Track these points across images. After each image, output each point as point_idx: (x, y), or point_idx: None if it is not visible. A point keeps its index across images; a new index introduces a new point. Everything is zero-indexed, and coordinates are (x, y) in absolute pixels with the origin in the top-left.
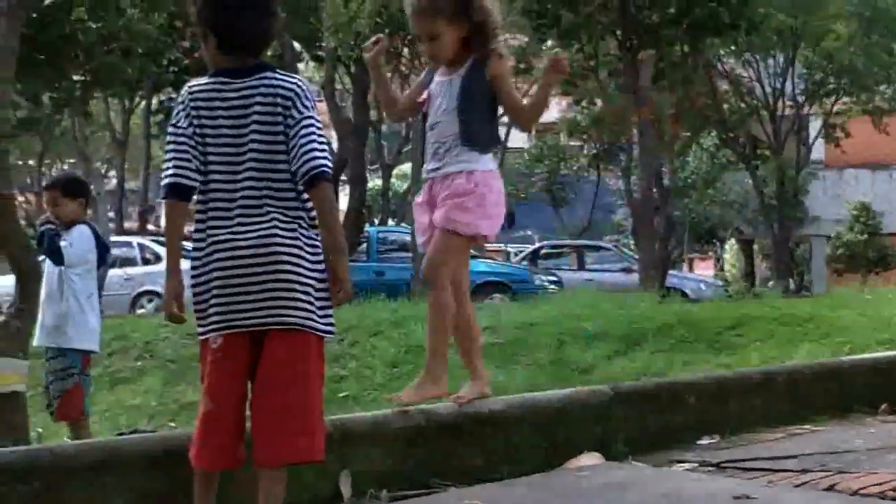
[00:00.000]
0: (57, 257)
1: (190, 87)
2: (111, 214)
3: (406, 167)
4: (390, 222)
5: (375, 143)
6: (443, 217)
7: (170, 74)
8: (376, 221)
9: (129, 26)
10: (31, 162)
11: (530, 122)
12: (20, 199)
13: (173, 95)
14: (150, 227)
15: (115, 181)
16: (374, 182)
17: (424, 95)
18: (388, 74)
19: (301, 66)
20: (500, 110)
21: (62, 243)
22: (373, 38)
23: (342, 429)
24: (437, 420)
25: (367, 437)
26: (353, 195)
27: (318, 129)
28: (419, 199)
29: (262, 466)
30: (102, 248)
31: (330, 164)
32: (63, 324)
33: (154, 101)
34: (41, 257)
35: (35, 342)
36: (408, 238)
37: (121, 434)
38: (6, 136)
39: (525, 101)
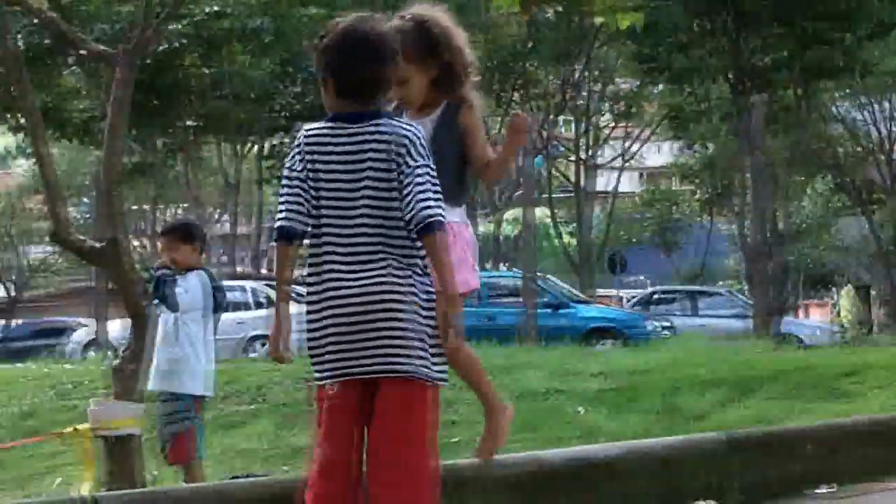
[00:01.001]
0: (171, 304)
1: (305, 130)
2: (223, 259)
3: (517, 211)
4: (501, 267)
5: (485, 187)
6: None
7: (281, 119)
8: (487, 266)
9: (240, 72)
10: (144, 206)
11: (493, 178)
12: (134, 243)
13: (284, 140)
14: (263, 271)
15: (226, 226)
16: (485, 226)
17: None
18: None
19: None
20: None
21: (177, 290)
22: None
23: (454, 475)
24: (550, 466)
25: (478, 484)
26: None
27: (433, 177)
28: None
29: None
30: (218, 293)
31: (443, 213)
32: (176, 368)
33: (265, 145)
34: (156, 302)
35: (149, 386)
36: (518, 283)
37: (235, 478)
38: (120, 182)
39: (491, 156)
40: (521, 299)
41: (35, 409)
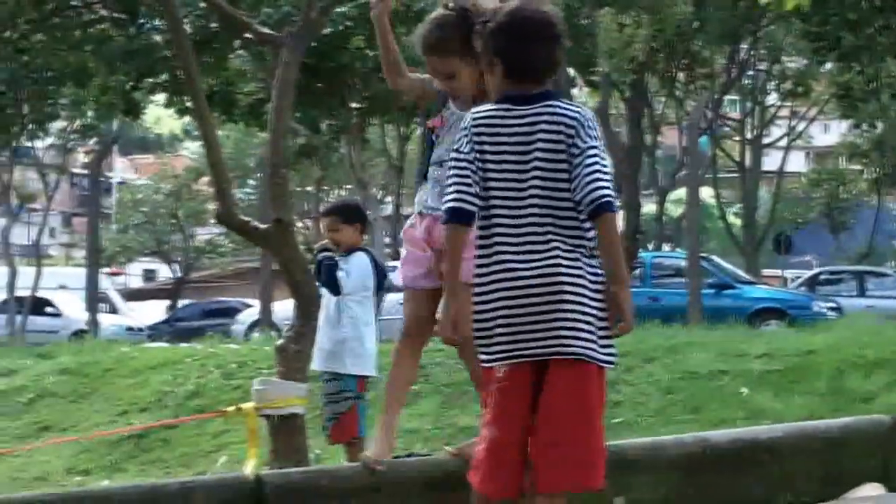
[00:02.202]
0: (334, 288)
1: (474, 113)
2: (387, 240)
3: (681, 192)
4: (665, 247)
5: (649, 167)
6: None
7: None
8: (650, 247)
9: (405, 53)
10: (309, 188)
11: None
12: (299, 224)
13: None
14: None
15: (391, 207)
16: (649, 207)
17: (438, 121)
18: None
19: (575, 91)
20: None
21: (339, 273)
22: None
23: (618, 455)
24: (715, 448)
25: (643, 464)
26: (628, 221)
27: (602, 158)
28: (415, 231)
29: (542, 493)
30: (381, 274)
31: (613, 195)
32: (340, 349)
33: None
34: (317, 285)
35: (313, 366)
36: (683, 263)
37: (396, 457)
38: (286, 164)
39: None
40: (685, 280)
41: (201, 389)
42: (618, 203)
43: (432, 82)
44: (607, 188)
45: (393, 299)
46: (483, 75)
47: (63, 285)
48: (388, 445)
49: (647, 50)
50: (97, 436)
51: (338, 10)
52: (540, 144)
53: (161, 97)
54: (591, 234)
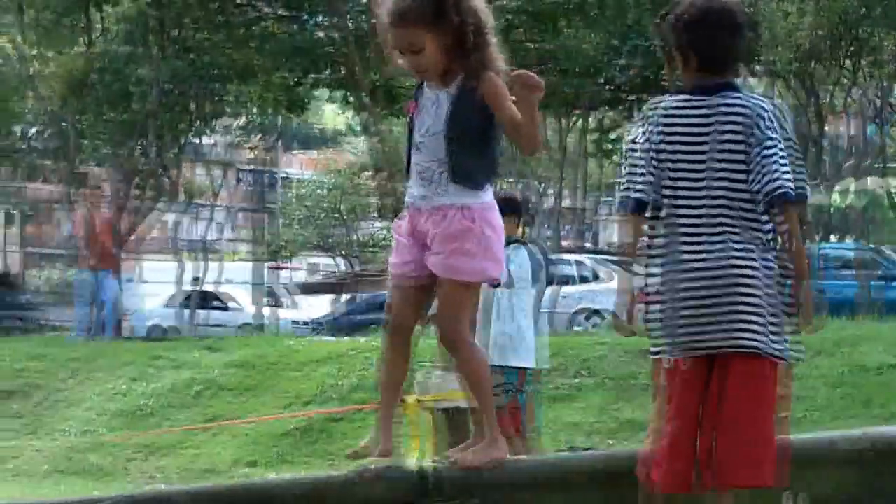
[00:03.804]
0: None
1: (653, 102)
2: (549, 233)
3: (848, 182)
4: (832, 238)
5: (816, 157)
6: (444, 267)
7: (606, 93)
8: (817, 238)
9: (566, 46)
10: None
11: (529, 139)
12: None
13: (610, 114)
14: (589, 244)
15: (552, 199)
16: (815, 198)
17: (412, 105)
18: None
19: (738, 80)
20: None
21: (511, 267)
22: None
23: (793, 450)
24: (885, 443)
25: (811, 460)
26: None
27: (782, 150)
28: (402, 227)
29: (712, 489)
30: (540, 266)
31: (793, 187)
32: (500, 342)
33: (591, 119)
34: None
35: None
36: (850, 255)
37: (559, 451)
38: None
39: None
40: (853, 271)
41: (364, 382)
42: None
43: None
44: (787, 180)
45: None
46: (449, 52)
47: (230, 279)
48: (390, 442)
49: (813, 38)
50: (267, 420)
51: (498, 3)
52: (720, 135)
53: (325, 92)
54: (769, 226)
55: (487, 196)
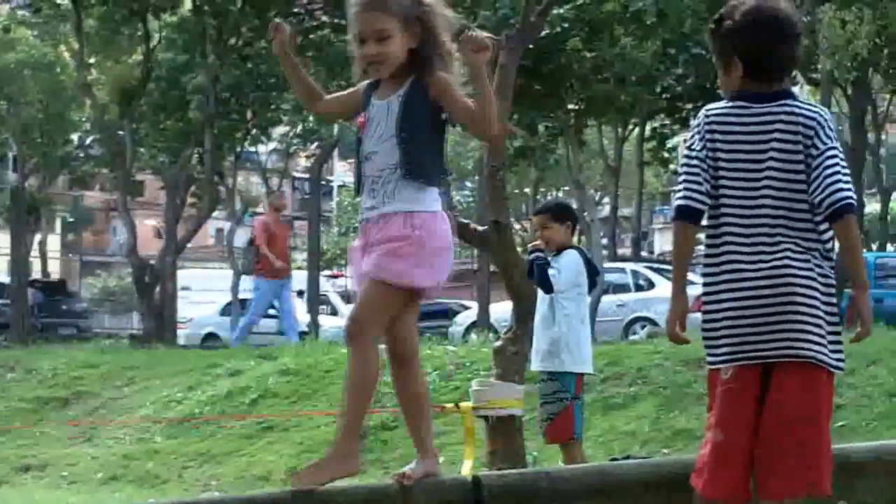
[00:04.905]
0: (546, 286)
1: (707, 110)
2: (604, 241)
3: None
4: (889, 248)
5: (873, 166)
6: (372, 264)
7: (662, 102)
8: (874, 247)
9: (622, 54)
10: (526, 190)
11: (485, 123)
12: (516, 226)
13: (666, 122)
14: (644, 253)
15: (608, 208)
16: (872, 206)
17: (361, 118)
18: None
19: (796, 89)
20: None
21: (551, 271)
22: (271, 25)
23: (841, 459)
24: None
25: (867, 469)
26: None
27: (842, 160)
28: (356, 243)
29: (768, 499)
30: (593, 272)
31: (854, 197)
32: (556, 348)
33: (647, 128)
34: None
35: (531, 367)
36: None
37: (613, 459)
38: (503, 166)
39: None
40: None
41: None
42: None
43: (354, 92)
44: (848, 190)
45: (611, 300)
46: (409, 54)
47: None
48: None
49: (871, 46)
50: (320, 427)
51: (555, 11)
52: (775, 144)
53: None
54: (827, 236)
55: (435, 204)
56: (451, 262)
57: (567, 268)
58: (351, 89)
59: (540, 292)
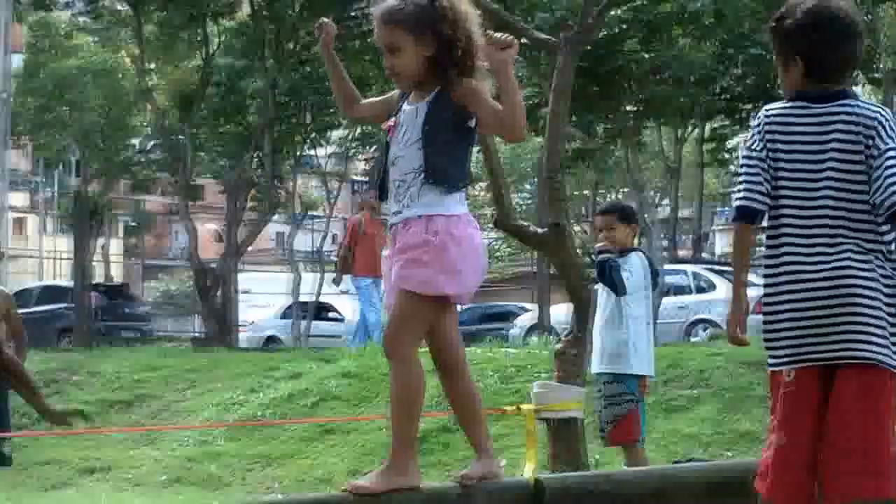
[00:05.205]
0: (619, 288)
1: (767, 110)
2: (664, 243)
3: None
4: None
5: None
6: (397, 275)
7: (721, 102)
8: None
9: (681, 55)
10: (585, 192)
11: (513, 124)
12: (576, 228)
13: (725, 123)
14: (704, 255)
15: (667, 209)
16: None
17: (391, 122)
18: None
19: (856, 88)
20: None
21: (624, 273)
22: (317, 23)
23: None
24: None
25: None
26: None
27: None
28: (386, 252)
29: (831, 502)
30: (654, 273)
31: None
32: (622, 350)
33: (706, 128)
34: (597, 285)
35: (592, 369)
36: None
37: (677, 462)
38: (562, 168)
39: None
40: None
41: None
42: None
43: (388, 98)
44: None
45: (671, 302)
46: (431, 64)
47: (345, 291)
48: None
49: None
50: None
51: (612, 13)
52: (835, 144)
53: None
54: (889, 237)
55: (457, 207)
56: (482, 265)
57: (635, 269)
58: (386, 95)
59: (601, 294)
